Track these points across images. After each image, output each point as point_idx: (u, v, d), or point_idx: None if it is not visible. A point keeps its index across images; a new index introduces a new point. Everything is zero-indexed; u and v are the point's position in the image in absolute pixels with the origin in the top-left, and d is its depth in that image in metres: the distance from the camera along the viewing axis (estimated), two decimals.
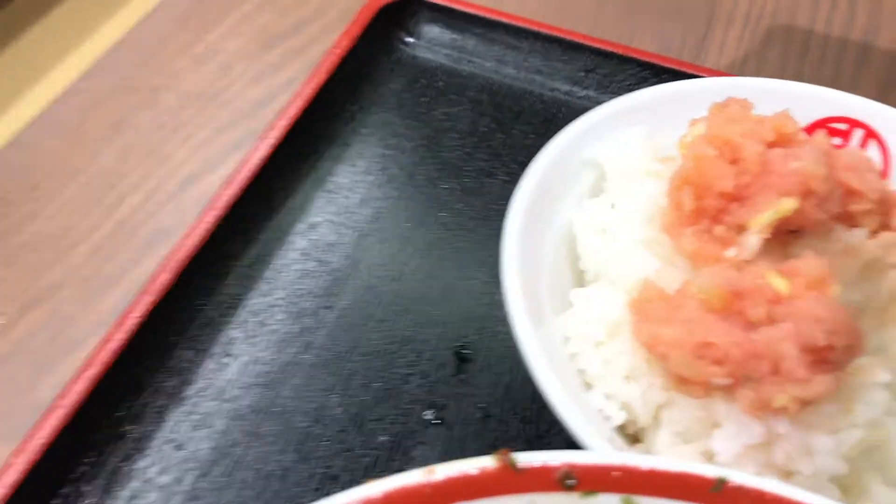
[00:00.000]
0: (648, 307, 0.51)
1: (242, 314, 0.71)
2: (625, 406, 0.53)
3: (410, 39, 0.94)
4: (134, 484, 0.62)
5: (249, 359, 0.68)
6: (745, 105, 0.56)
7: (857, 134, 0.66)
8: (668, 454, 0.50)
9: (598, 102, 0.89)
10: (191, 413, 0.65)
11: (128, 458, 0.63)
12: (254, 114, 0.88)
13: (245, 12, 0.98)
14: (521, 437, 0.65)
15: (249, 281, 0.73)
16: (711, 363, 0.46)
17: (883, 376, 0.49)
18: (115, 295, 0.74)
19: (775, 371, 0.45)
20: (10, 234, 0.77)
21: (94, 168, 0.83)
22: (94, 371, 0.63)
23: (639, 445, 0.54)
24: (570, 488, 0.40)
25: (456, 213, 0.79)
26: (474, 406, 0.66)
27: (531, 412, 0.66)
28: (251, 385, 0.67)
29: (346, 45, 0.88)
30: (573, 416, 0.48)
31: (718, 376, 0.46)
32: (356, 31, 0.89)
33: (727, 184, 0.51)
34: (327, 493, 0.61)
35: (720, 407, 0.48)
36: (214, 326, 0.70)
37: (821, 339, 0.45)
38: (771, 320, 0.46)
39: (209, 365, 0.68)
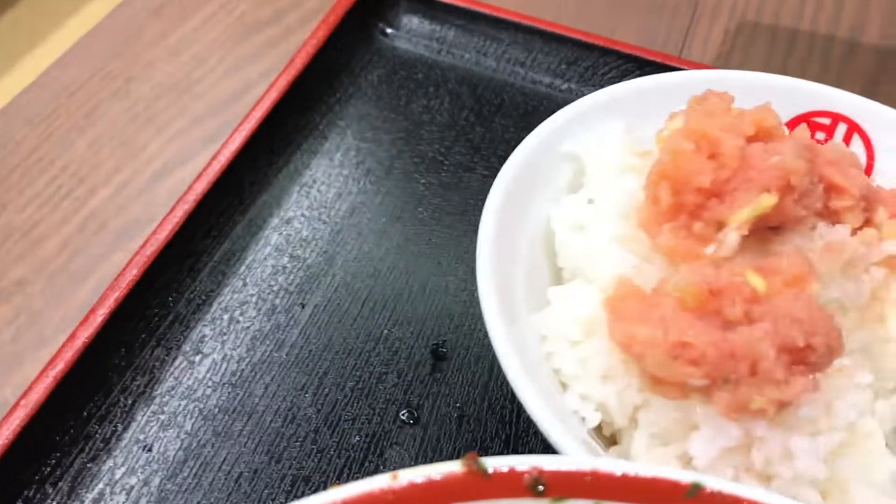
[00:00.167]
0: (624, 306, 0.49)
1: (214, 311, 0.69)
2: (600, 407, 0.51)
3: (390, 30, 0.92)
4: (100, 485, 0.60)
5: (220, 357, 0.67)
6: (724, 98, 0.54)
7: (841, 129, 0.65)
8: (644, 456, 0.49)
9: (580, 95, 0.87)
10: (159, 413, 0.64)
11: (94, 458, 0.61)
12: (229, 105, 0.87)
13: (220, 2, 0.97)
14: (497, 437, 0.64)
15: (221, 277, 0.71)
16: (687, 363, 0.45)
17: (863, 377, 0.48)
18: (85, 290, 0.72)
19: (753, 372, 0.44)
20: None
21: (64, 159, 0.81)
22: (58, 369, 0.61)
23: (616, 447, 0.52)
24: (539, 494, 0.39)
25: (434, 207, 0.78)
26: (450, 406, 0.65)
27: (508, 412, 0.65)
28: (222, 384, 0.65)
29: (322, 35, 0.86)
30: (546, 418, 0.46)
31: (695, 377, 0.45)
32: (333, 21, 0.87)
33: (705, 179, 0.50)
34: (299, 495, 0.60)
35: (697, 408, 0.47)
36: (185, 323, 0.68)
37: (799, 340, 0.43)
38: (749, 320, 0.45)
39: (179, 363, 0.66)
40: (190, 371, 0.66)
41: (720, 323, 0.46)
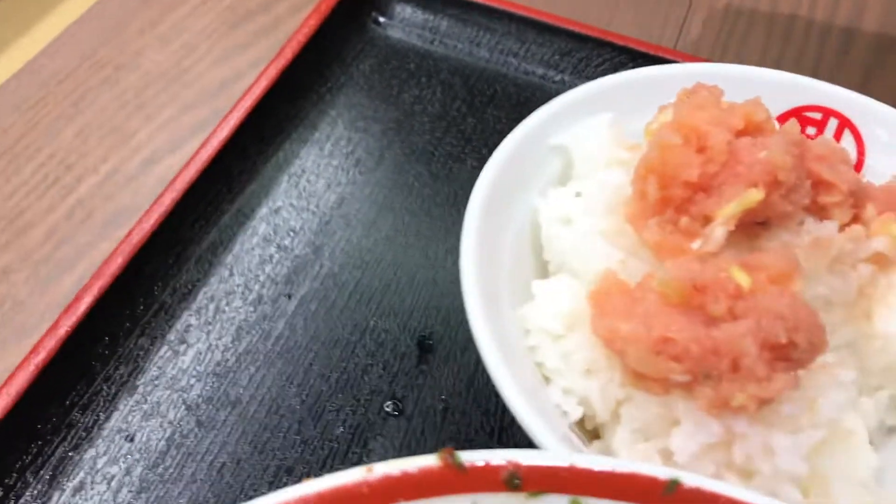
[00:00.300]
0: (608, 300, 0.49)
1: (199, 300, 0.69)
2: (583, 401, 0.51)
3: (382, 19, 0.91)
4: (81, 474, 0.60)
5: (205, 347, 0.66)
6: (714, 92, 0.54)
7: (832, 124, 0.64)
8: (626, 451, 0.49)
9: (573, 86, 0.87)
10: (142, 402, 0.63)
11: (76, 447, 0.61)
12: (219, 94, 0.86)
13: None
14: (482, 430, 0.63)
15: (208, 266, 0.71)
16: (670, 359, 0.45)
17: (846, 375, 0.47)
18: (71, 279, 0.72)
19: (735, 368, 0.43)
20: None
21: (52, 147, 0.80)
22: (40, 358, 0.61)
23: (598, 442, 0.52)
24: (515, 488, 0.39)
25: (423, 199, 0.77)
26: (435, 398, 0.65)
27: (493, 405, 0.64)
28: (206, 374, 0.65)
29: (314, 24, 0.86)
30: (526, 412, 0.46)
31: (677, 373, 0.45)
32: (325, 10, 0.87)
33: (692, 173, 0.50)
34: (281, 486, 0.60)
35: (679, 404, 0.47)
36: (170, 313, 0.68)
37: (782, 337, 0.43)
38: (732, 316, 0.45)
39: (163, 352, 0.66)
40: (174, 361, 0.65)
41: (704, 319, 0.46)
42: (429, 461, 0.38)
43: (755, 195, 0.48)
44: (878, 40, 0.97)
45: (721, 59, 0.94)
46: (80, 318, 0.63)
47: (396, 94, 0.86)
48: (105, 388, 0.64)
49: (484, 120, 0.84)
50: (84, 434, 0.61)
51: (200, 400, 0.64)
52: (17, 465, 0.59)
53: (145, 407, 0.63)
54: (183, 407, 0.63)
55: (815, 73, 0.93)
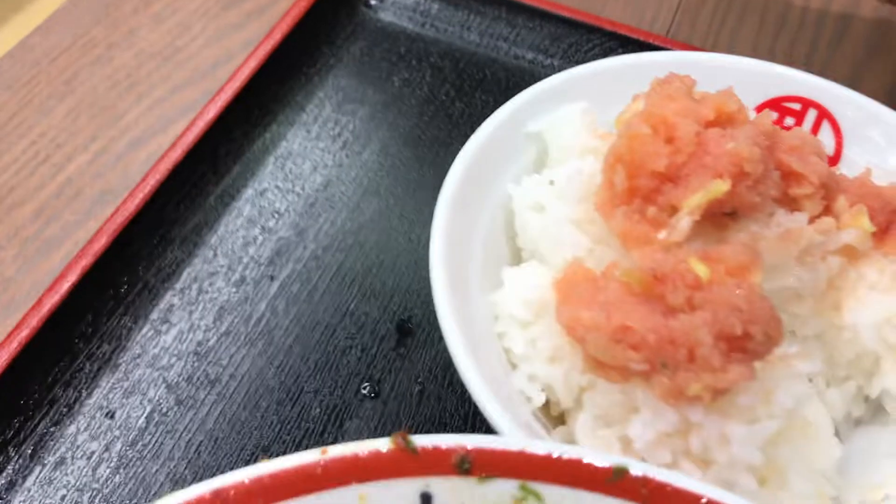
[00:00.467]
0: (572, 288, 0.49)
1: (183, 281, 0.70)
2: (547, 388, 0.52)
3: (374, 2, 0.92)
4: (62, 450, 0.61)
5: (187, 327, 0.67)
6: (686, 82, 0.54)
7: (811, 114, 0.64)
8: (588, 437, 0.49)
9: (562, 70, 0.87)
10: (123, 380, 0.64)
11: (57, 423, 0.62)
12: (211, 74, 0.87)
13: None
14: (457, 413, 0.64)
15: (192, 247, 0.72)
16: (628, 348, 0.45)
17: (805, 367, 0.48)
18: (58, 257, 0.73)
19: (691, 358, 0.44)
20: None
21: (43, 126, 0.81)
22: (23, 335, 0.62)
23: (562, 427, 0.53)
24: (465, 472, 0.39)
25: (409, 182, 0.78)
26: (412, 380, 0.65)
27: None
28: (187, 353, 0.66)
29: (305, 5, 0.86)
30: (485, 398, 0.47)
31: (635, 361, 0.45)
32: None
33: (660, 163, 0.50)
34: None
35: (638, 392, 0.47)
36: (153, 292, 0.69)
37: (737, 328, 0.43)
38: (691, 306, 0.45)
39: (145, 331, 0.67)
40: (156, 340, 0.66)
41: (664, 308, 0.46)
42: (381, 444, 0.39)
43: (721, 186, 0.49)
44: (871, 32, 0.96)
45: (713, 48, 0.94)
46: (63, 296, 0.64)
47: (385, 77, 0.86)
48: (87, 365, 0.65)
49: (472, 104, 0.85)
50: (65, 410, 0.63)
51: (180, 379, 0.65)
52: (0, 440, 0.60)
53: (126, 385, 0.64)
54: (163, 385, 0.64)
55: (807, 63, 0.94)
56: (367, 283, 0.71)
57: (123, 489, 0.59)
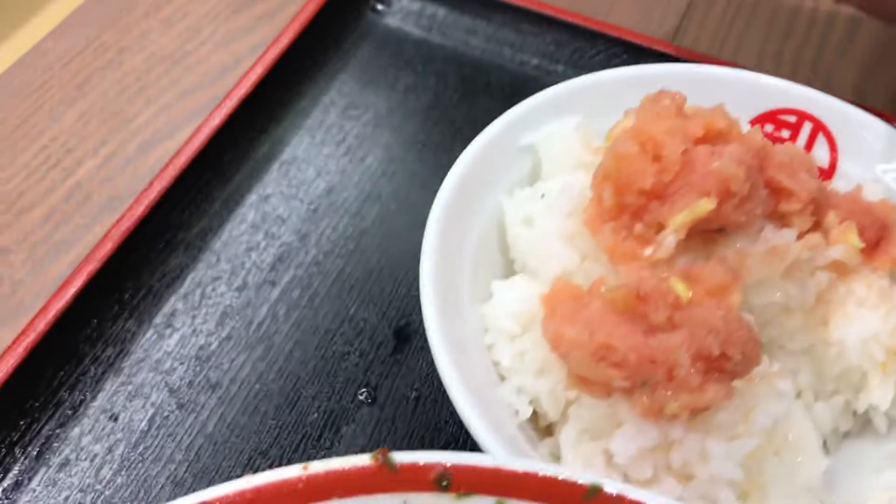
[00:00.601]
0: (558, 304, 0.50)
1: (187, 286, 0.71)
2: (534, 401, 0.53)
3: (380, 7, 0.92)
4: (66, 451, 0.63)
5: (190, 331, 0.69)
6: (676, 99, 0.54)
7: (807, 127, 0.65)
8: (573, 450, 0.50)
9: (567, 78, 0.88)
10: (127, 384, 0.66)
11: (62, 425, 0.64)
12: (219, 78, 0.88)
13: None
14: (452, 420, 0.65)
15: (196, 252, 0.73)
16: (610, 366, 0.46)
17: (784, 385, 0.48)
18: (66, 260, 0.74)
19: (670, 377, 0.45)
20: None
21: (54, 130, 0.83)
22: (30, 339, 0.64)
23: (549, 440, 0.54)
24: (444, 489, 0.41)
25: (410, 187, 0.79)
26: (408, 387, 0.67)
27: None
28: (189, 358, 0.67)
29: (312, 10, 0.87)
30: (470, 413, 0.48)
31: (617, 379, 0.46)
32: None
33: (646, 181, 0.51)
34: (255, 469, 0.63)
35: (622, 407, 0.48)
36: (158, 297, 0.70)
37: (715, 349, 0.44)
38: (672, 325, 0.46)
39: (149, 336, 0.68)
40: (159, 344, 0.68)
41: (645, 327, 0.47)
42: (362, 460, 0.40)
43: (706, 205, 0.49)
44: (879, 38, 0.96)
45: (719, 52, 0.94)
46: (68, 301, 0.66)
47: (390, 83, 0.87)
48: (92, 368, 0.66)
49: (476, 110, 0.85)
50: (70, 413, 0.64)
51: (182, 383, 0.66)
52: (6, 441, 0.62)
53: (130, 388, 0.66)
54: (166, 389, 0.66)
55: (814, 69, 0.93)
56: (367, 289, 0.72)
57: (125, 491, 0.61)
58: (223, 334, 0.69)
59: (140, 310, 0.69)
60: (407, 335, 0.69)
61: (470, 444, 0.51)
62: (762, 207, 0.52)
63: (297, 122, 0.83)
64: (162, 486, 0.61)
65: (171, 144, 0.82)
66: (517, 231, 0.58)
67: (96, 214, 0.77)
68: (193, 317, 0.69)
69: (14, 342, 0.63)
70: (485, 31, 0.91)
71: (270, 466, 0.63)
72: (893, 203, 0.59)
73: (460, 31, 0.91)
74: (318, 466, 0.40)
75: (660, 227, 0.51)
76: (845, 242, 0.55)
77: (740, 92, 0.64)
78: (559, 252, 0.55)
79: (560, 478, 0.40)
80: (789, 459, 0.51)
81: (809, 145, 0.65)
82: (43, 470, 0.62)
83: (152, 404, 0.65)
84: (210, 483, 0.62)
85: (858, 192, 0.59)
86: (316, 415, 0.65)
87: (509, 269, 0.61)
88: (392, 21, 0.92)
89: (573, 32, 0.89)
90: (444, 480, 0.41)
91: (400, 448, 0.64)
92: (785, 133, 0.65)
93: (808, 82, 0.91)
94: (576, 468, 0.43)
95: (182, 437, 0.64)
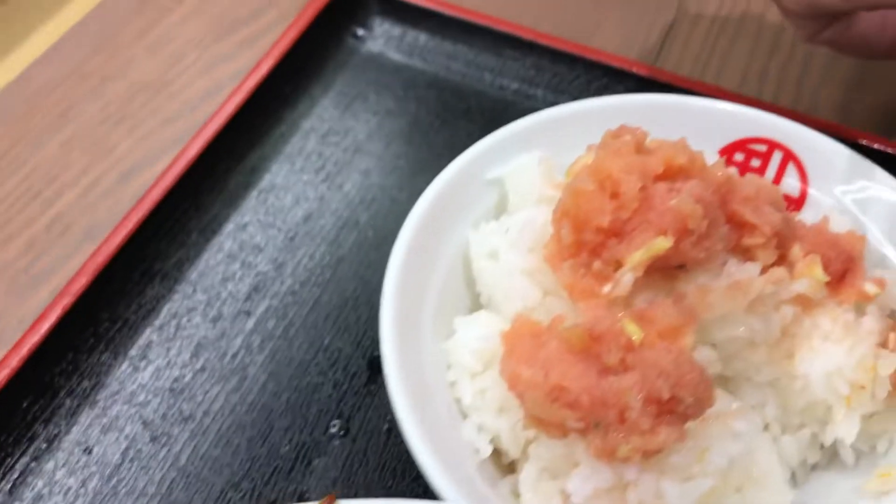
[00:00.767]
0: (517, 342, 0.50)
1: (163, 317, 0.72)
2: (495, 439, 0.53)
3: (362, 32, 0.93)
4: (40, 484, 0.63)
5: (164, 363, 0.69)
6: (636, 135, 0.54)
7: (777, 156, 0.65)
8: (532, 489, 0.50)
9: (547, 102, 0.88)
10: (101, 416, 0.66)
11: (36, 459, 0.64)
12: (200, 105, 0.88)
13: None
14: None
15: (172, 283, 0.73)
16: (564, 407, 0.46)
17: (740, 426, 0.48)
18: (45, 292, 0.75)
19: (621, 420, 0.45)
20: None
21: (36, 160, 0.83)
22: (5, 373, 0.64)
23: (511, 477, 0.54)
24: None
25: (388, 214, 0.79)
26: (381, 418, 0.67)
27: None
28: (163, 390, 0.68)
29: (293, 37, 0.87)
30: (424, 457, 0.48)
31: (571, 420, 0.46)
32: (304, 23, 0.88)
33: (604, 219, 0.51)
34: (227, 502, 0.63)
35: (579, 447, 0.48)
36: (133, 329, 0.71)
37: (665, 392, 0.44)
38: (624, 367, 0.46)
39: (124, 368, 0.69)
40: (134, 376, 0.68)
41: (600, 368, 0.47)
42: None
43: (663, 243, 0.49)
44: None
45: (703, 73, 0.93)
46: (43, 336, 0.66)
47: (371, 108, 0.87)
48: (68, 401, 0.67)
49: (457, 135, 0.86)
50: (45, 446, 0.65)
51: (156, 415, 0.66)
52: None
53: (104, 421, 0.66)
54: (139, 422, 0.66)
55: (798, 88, 0.93)
56: (342, 318, 0.72)
57: None
58: (197, 366, 0.69)
59: (116, 342, 0.70)
60: (381, 365, 0.69)
61: None
62: (723, 243, 0.52)
63: (277, 149, 0.83)
64: None
65: (152, 173, 0.82)
66: (482, 265, 0.58)
67: (76, 245, 0.78)
68: (168, 349, 0.70)
69: None
70: (465, 56, 0.91)
71: (242, 500, 0.63)
72: (860, 234, 0.59)
73: (441, 56, 0.91)
74: None
75: (618, 265, 0.51)
76: (810, 276, 0.55)
77: (710, 121, 0.64)
78: (522, 287, 0.55)
79: None
80: (752, 496, 0.51)
81: (780, 174, 0.65)
82: None
83: (126, 437, 0.65)
84: None
85: (825, 224, 0.58)
86: (288, 447, 0.65)
87: (476, 304, 0.61)
88: (373, 46, 0.92)
89: (553, 57, 0.89)
90: None
91: (371, 481, 0.64)
92: (755, 162, 0.65)
93: (794, 102, 0.92)
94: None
95: (155, 471, 0.64)
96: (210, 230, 0.77)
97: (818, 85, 0.93)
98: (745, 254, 0.55)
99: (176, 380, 0.68)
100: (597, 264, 0.51)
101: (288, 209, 0.79)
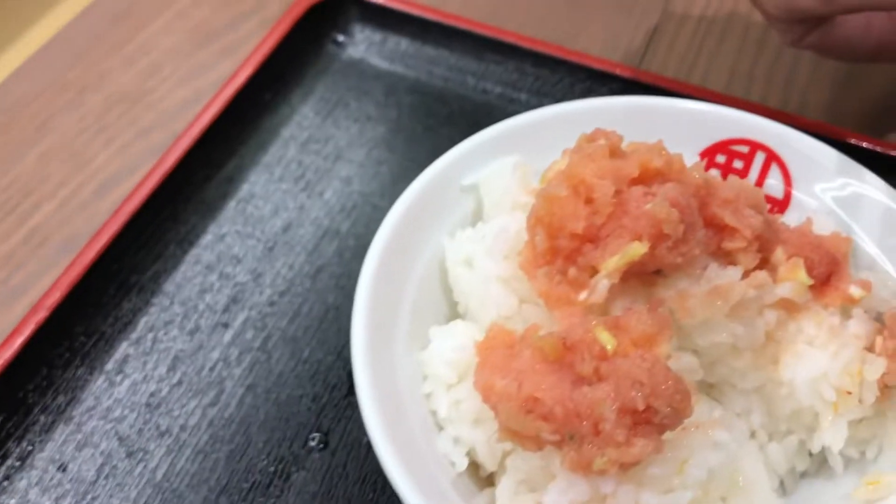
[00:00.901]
0: (491, 353, 0.49)
1: (139, 330, 0.70)
2: (471, 451, 0.51)
3: (342, 38, 0.92)
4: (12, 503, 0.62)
5: (141, 377, 0.68)
6: (611, 138, 0.53)
7: (759, 157, 0.63)
8: (509, 502, 0.49)
9: (530, 105, 0.87)
10: (76, 433, 0.65)
11: (8, 477, 0.63)
12: (179, 115, 0.87)
13: (179, 9, 0.97)
14: None
15: (149, 295, 0.72)
16: (538, 419, 0.45)
17: (721, 436, 0.47)
18: (22, 305, 0.73)
19: (596, 432, 0.43)
20: None
21: (13, 173, 0.82)
22: None
23: (489, 490, 0.52)
24: None
25: (369, 221, 0.78)
26: (361, 431, 0.65)
27: None
28: (139, 405, 0.67)
29: (272, 43, 0.86)
30: (396, 474, 0.46)
31: (546, 432, 0.45)
32: (284, 29, 0.87)
33: (578, 225, 0.49)
34: None
35: (556, 459, 0.47)
36: (109, 343, 0.70)
37: (639, 403, 0.43)
38: (598, 377, 0.45)
39: (100, 383, 0.68)
40: (110, 391, 0.67)
41: (574, 378, 0.46)
42: None
43: (638, 249, 0.48)
44: None
45: (688, 75, 0.92)
46: (16, 351, 0.65)
47: (352, 115, 0.86)
48: (42, 418, 0.66)
49: (439, 140, 0.84)
50: (18, 464, 0.64)
51: (132, 431, 0.65)
52: None
53: (79, 437, 0.65)
54: (115, 438, 0.65)
55: (787, 87, 0.92)
56: (322, 329, 0.71)
57: None
58: (174, 380, 0.68)
59: (91, 356, 0.69)
60: None
61: None
62: (701, 247, 0.51)
63: (256, 158, 0.82)
64: None
65: (130, 185, 0.81)
66: (458, 273, 0.57)
67: (53, 258, 0.76)
68: (144, 362, 0.69)
69: None
70: (447, 61, 0.90)
71: None
72: (845, 236, 0.58)
73: (423, 61, 0.90)
74: None
75: (593, 272, 0.50)
76: (793, 279, 0.54)
77: (691, 122, 0.63)
78: (497, 296, 0.53)
79: None
80: (741, 501, 0.49)
81: (763, 176, 0.63)
82: None
83: (101, 453, 0.64)
84: None
85: (808, 226, 0.57)
86: (266, 461, 0.64)
87: (455, 313, 0.59)
88: (354, 52, 0.91)
89: (536, 60, 0.87)
90: None
91: (351, 495, 0.63)
92: (738, 164, 0.64)
93: (782, 102, 0.91)
94: None
95: (130, 488, 0.63)
96: (187, 241, 0.76)
97: (807, 84, 0.92)
98: (727, 258, 0.54)
99: (152, 394, 0.67)
100: (572, 271, 0.50)
101: (267, 219, 0.78)
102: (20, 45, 0.97)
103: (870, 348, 0.54)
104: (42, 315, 0.67)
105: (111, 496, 0.62)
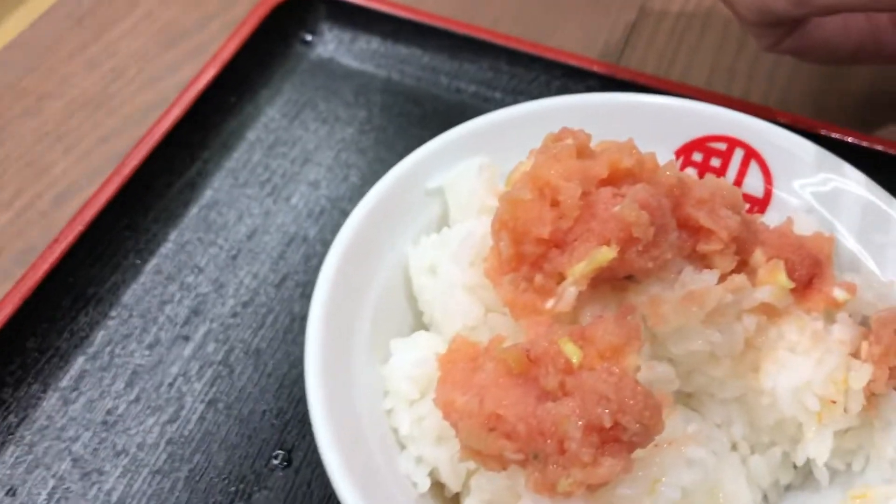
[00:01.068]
0: (452, 366, 0.46)
1: (96, 345, 0.67)
2: (434, 471, 0.49)
3: (310, 37, 0.89)
4: None
5: (97, 394, 0.65)
6: (578, 137, 0.50)
7: (738, 155, 0.60)
8: None
9: (506, 104, 0.84)
10: (28, 454, 0.62)
11: None
12: (143, 120, 0.84)
13: (146, 10, 0.94)
14: None
15: (107, 307, 0.69)
16: (502, 437, 0.42)
17: (696, 452, 0.44)
18: None
19: (561, 450, 0.41)
20: None
21: None
22: None
23: None
24: None
25: (338, 228, 0.73)
26: None
27: None
28: (95, 423, 0.63)
29: (237, 43, 0.83)
30: (353, 498, 0.43)
31: (510, 451, 0.42)
32: (250, 28, 0.85)
33: (544, 229, 0.46)
34: None
35: (521, 479, 0.44)
36: (64, 358, 0.67)
37: (606, 420, 0.40)
38: (564, 392, 0.42)
39: (54, 401, 0.64)
40: (64, 409, 0.64)
41: (538, 392, 0.43)
42: None
43: (606, 254, 0.45)
44: None
45: (668, 71, 0.90)
46: None
47: (321, 117, 0.83)
48: None
49: (411, 142, 0.80)
50: None
51: (86, 451, 0.62)
52: None
53: (30, 458, 0.62)
54: (69, 458, 0.62)
55: (770, 82, 0.89)
56: (287, 340, 0.68)
57: None
58: (132, 396, 0.65)
59: (45, 373, 0.66)
60: None
61: None
62: (674, 251, 0.48)
63: (220, 164, 0.79)
64: None
65: (89, 194, 0.78)
66: (422, 281, 0.54)
67: (7, 270, 0.73)
68: (101, 378, 0.66)
69: None
70: (419, 60, 0.87)
71: None
72: (828, 235, 0.55)
73: (394, 60, 0.87)
74: None
75: (560, 278, 0.47)
76: (773, 283, 0.51)
77: (666, 119, 0.60)
78: (462, 304, 0.51)
79: None
80: None
81: (742, 174, 0.60)
82: None
83: (54, 475, 0.61)
84: None
85: (789, 226, 0.54)
86: (227, 481, 0.61)
87: (420, 323, 0.56)
88: (323, 52, 0.88)
89: (510, 58, 0.85)
90: None
91: None
92: (715, 161, 0.61)
93: (764, 97, 0.88)
94: None
95: None
96: (147, 251, 0.73)
97: (789, 79, 0.90)
98: (702, 261, 0.51)
99: (109, 412, 0.64)
100: (538, 278, 0.47)
101: (231, 226, 0.75)
102: None
103: (855, 354, 0.52)
104: None
105: None
